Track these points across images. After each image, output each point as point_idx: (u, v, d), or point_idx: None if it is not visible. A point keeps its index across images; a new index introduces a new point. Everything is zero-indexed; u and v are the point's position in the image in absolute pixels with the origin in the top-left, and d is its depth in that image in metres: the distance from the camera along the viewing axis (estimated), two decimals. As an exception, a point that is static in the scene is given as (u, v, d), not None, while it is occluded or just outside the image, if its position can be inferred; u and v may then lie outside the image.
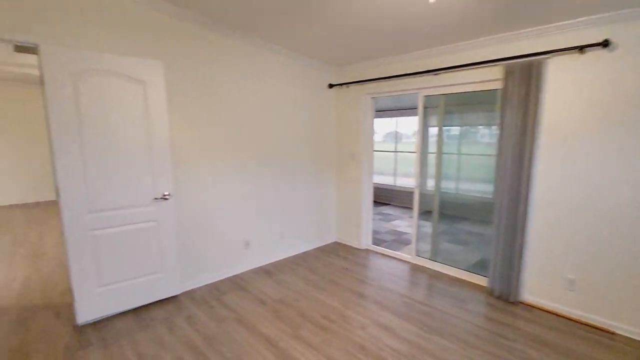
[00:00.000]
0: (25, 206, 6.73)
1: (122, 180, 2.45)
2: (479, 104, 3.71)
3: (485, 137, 4.03)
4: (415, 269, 3.61)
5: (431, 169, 3.71)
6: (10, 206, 6.74)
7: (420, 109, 3.50)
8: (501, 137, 2.80)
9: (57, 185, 2.23)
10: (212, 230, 3.17)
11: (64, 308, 2.70)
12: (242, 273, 3.45)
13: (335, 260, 3.82)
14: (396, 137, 7.74)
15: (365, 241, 4.27)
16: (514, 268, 2.82)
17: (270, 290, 3.05)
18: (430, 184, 3.72)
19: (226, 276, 3.34)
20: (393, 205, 7.28)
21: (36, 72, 6.34)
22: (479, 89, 3.04)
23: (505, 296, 2.90)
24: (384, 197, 7.45)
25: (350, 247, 4.32)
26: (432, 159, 3.69)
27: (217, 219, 3.20)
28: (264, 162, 3.52)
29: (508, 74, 2.71)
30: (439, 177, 3.60)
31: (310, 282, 3.24)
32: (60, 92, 2.16)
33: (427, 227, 3.91)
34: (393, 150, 7.71)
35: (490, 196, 4.13)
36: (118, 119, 2.39)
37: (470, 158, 4.01)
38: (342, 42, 3.16)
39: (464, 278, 3.33)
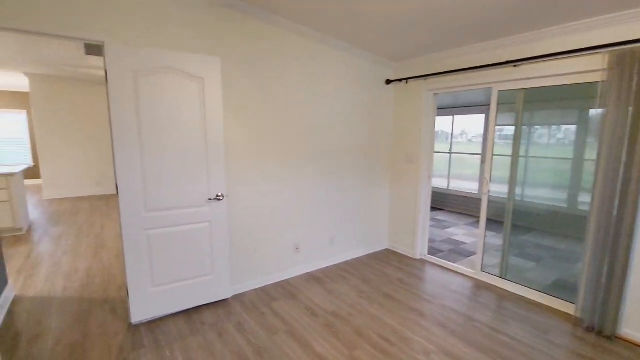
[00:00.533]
0: (91, 198, 7.26)
1: (178, 179, 2.40)
2: (564, 99, 3.22)
3: (566, 137, 3.52)
4: (481, 286, 3.21)
5: (497, 173, 3.28)
6: (79, 198, 7.31)
7: (493, 106, 3.09)
8: (603, 138, 2.33)
9: (116, 183, 2.23)
10: (262, 233, 3.06)
11: (120, 304, 2.74)
12: (292, 278, 3.30)
13: (388, 270, 3.54)
14: (452, 137, 7.21)
15: (420, 250, 3.93)
16: (611, 294, 2.35)
17: (321, 300, 2.86)
18: (494, 189, 3.29)
19: (276, 281, 3.21)
20: (446, 210, 6.78)
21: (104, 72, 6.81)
22: (570, 82, 2.58)
23: (598, 328, 2.43)
24: (436, 202, 6.96)
25: (404, 255, 4.00)
26: (496, 161, 3.26)
27: (267, 221, 3.08)
28: (315, 163, 3.34)
29: (615, 63, 2.24)
30: (513, 183, 3.16)
31: (363, 294, 3.00)
32: (122, 90, 2.14)
33: (489, 237, 3.48)
34: (446, 150, 7.19)
35: (565, 205, 3.60)
36: (175, 117, 2.34)
37: (547, 162, 3.52)
38: (404, 32, 2.87)
39: (541, 302, 2.88)
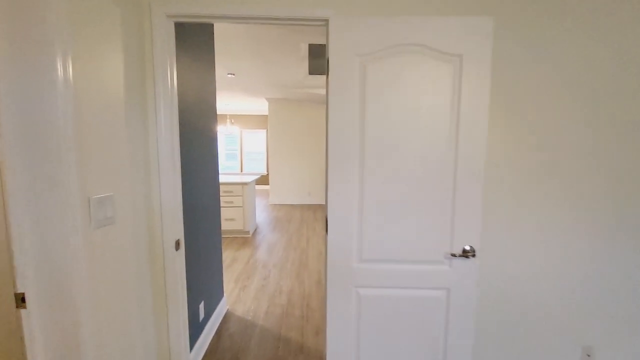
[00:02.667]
0: (302, 207, 7.89)
1: (406, 218, 1.54)
2: None
3: None
4: None
5: None
6: (293, 206, 8.10)
7: None
8: None
9: (326, 215, 1.59)
10: (524, 317, 1.78)
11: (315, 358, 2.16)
12: (573, 408, 1.84)
13: None
14: None
15: None
16: None
17: None
18: None
19: (541, 404, 1.85)
20: None
21: (324, 92, 7.31)
22: None
23: None
24: None
25: None
26: None
27: (536, 298, 1.77)
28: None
29: None
30: None
31: None
32: (343, 83, 1.49)
33: None
34: None
35: None
36: (411, 122, 1.50)
37: None
38: None
39: None
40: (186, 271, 1.94)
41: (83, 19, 1.08)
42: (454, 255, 1.54)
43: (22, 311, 1.04)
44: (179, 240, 1.64)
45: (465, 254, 1.54)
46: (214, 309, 2.55)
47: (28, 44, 0.95)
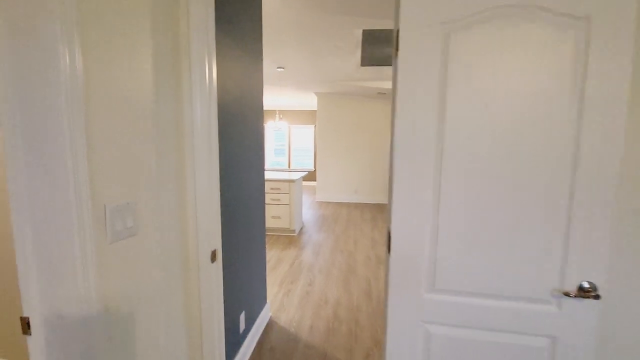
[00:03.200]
0: (349, 206, 7.58)
1: (498, 238, 1.17)
2: None
3: None
4: None
5: None
6: (339, 204, 7.82)
7: None
8: None
9: (389, 229, 1.28)
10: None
11: (367, 394, 1.86)
12: None
13: None
14: None
15: None
16: None
17: None
18: None
19: None
20: None
21: (375, 85, 6.89)
22: None
23: None
24: None
25: None
26: None
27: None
28: None
29: None
30: None
31: None
32: (417, 62, 1.15)
33: None
34: None
35: None
36: (509, 111, 1.11)
37: None
38: None
39: None
40: (226, 280, 1.76)
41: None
42: (567, 294, 1.13)
43: (28, 338, 0.88)
44: (215, 250, 1.44)
45: (582, 292, 1.12)
46: (256, 317, 2.37)
47: (26, 23, 0.77)
